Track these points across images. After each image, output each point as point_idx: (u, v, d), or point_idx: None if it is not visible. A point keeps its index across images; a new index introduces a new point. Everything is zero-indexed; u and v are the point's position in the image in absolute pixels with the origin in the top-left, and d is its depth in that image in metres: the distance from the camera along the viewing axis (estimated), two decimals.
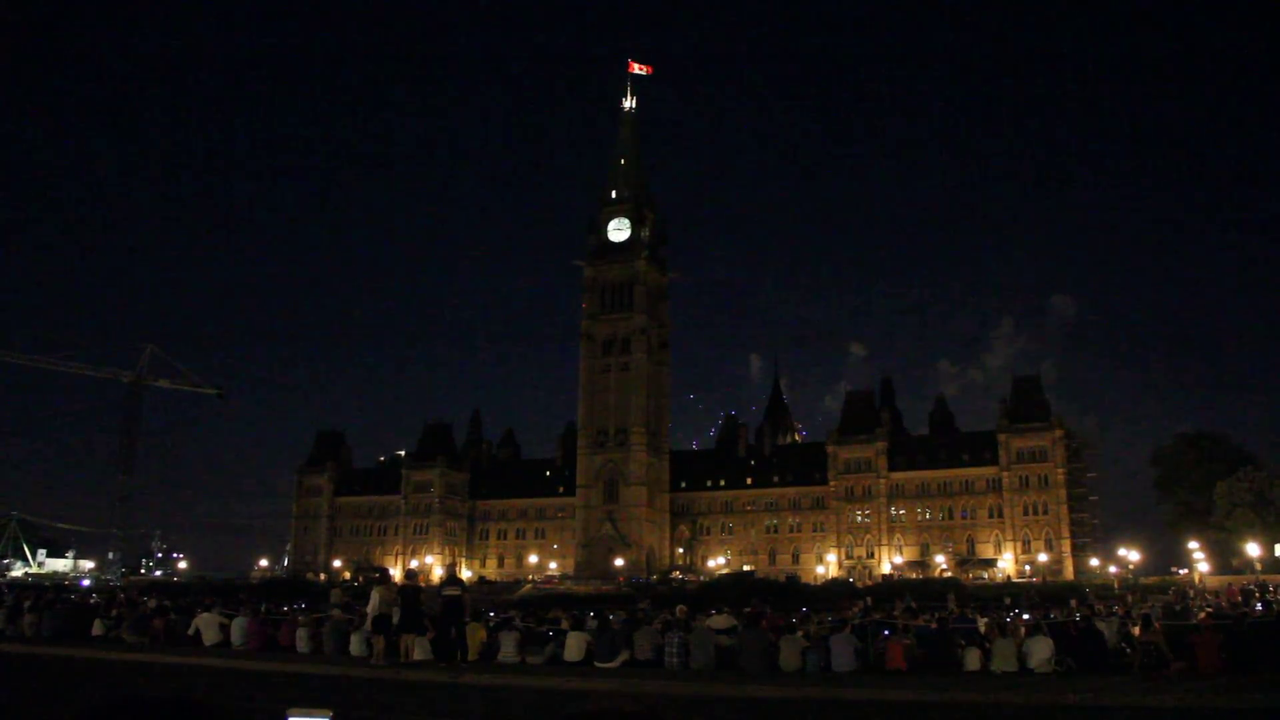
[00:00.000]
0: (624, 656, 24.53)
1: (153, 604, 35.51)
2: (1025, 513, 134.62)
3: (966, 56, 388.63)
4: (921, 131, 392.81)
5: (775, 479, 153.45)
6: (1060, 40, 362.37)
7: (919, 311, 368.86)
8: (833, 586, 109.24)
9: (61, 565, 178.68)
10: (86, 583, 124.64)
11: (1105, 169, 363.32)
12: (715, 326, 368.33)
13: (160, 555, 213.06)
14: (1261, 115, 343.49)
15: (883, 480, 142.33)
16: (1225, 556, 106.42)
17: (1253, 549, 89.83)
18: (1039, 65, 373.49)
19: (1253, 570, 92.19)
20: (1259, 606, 46.90)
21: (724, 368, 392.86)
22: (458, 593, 25.80)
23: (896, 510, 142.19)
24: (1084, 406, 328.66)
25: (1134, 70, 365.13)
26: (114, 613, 33.18)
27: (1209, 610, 39.70)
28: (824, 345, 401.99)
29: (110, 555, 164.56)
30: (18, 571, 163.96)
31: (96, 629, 31.68)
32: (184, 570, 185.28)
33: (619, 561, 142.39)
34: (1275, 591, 63.64)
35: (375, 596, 25.51)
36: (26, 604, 34.81)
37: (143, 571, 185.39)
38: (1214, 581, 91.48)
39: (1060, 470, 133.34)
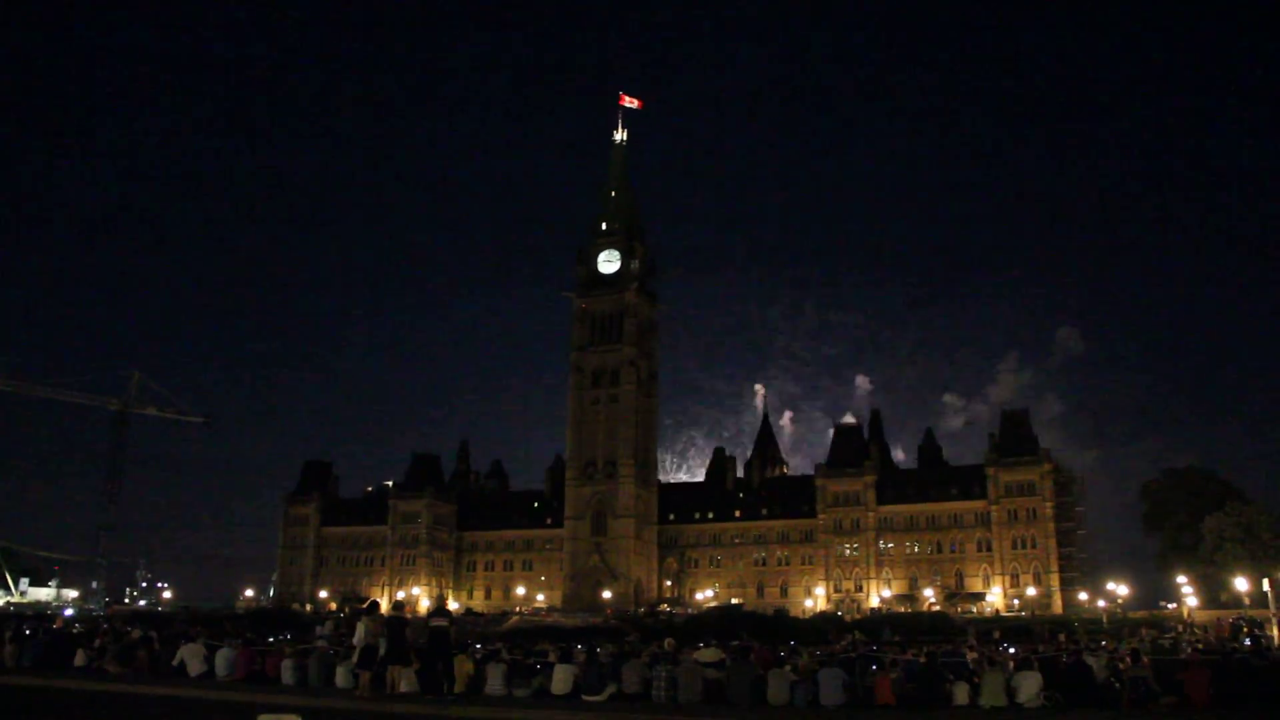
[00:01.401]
0: (611, 689, 24.42)
1: (137, 634, 35.25)
2: (1014, 546, 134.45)
3: (968, 86, 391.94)
4: (921, 161, 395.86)
5: (764, 511, 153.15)
6: (1071, 69, 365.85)
7: (925, 345, 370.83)
8: (821, 620, 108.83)
9: (44, 594, 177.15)
10: (69, 612, 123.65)
11: (1113, 200, 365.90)
12: (718, 359, 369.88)
13: (145, 585, 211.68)
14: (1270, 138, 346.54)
15: (871, 513, 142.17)
16: (1214, 591, 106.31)
17: (1241, 584, 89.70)
18: (1047, 94, 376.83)
19: (1241, 605, 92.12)
20: (1247, 641, 46.86)
21: (723, 400, 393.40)
22: (445, 624, 25.68)
23: (885, 544, 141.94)
24: (1087, 440, 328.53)
25: (1145, 95, 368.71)
26: (97, 643, 32.91)
27: (1198, 645, 39.72)
28: (830, 378, 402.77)
29: (94, 584, 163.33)
30: None
31: (79, 659, 31.41)
32: (169, 600, 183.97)
33: (607, 594, 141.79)
34: (1263, 627, 63.65)
35: (361, 627, 25.37)
36: (7, 634, 34.54)
37: (127, 601, 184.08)
38: (1202, 616, 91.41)
39: (1049, 504, 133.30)
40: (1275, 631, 60.26)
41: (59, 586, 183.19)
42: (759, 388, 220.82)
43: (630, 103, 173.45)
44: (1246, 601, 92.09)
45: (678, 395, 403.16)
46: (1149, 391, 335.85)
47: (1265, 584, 73.43)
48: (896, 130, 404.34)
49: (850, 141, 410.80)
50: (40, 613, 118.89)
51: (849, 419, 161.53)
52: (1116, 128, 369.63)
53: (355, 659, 25.37)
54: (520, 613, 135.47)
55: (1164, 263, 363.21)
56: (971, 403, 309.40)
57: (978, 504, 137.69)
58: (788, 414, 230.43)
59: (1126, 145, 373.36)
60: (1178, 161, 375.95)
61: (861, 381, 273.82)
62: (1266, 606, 73.81)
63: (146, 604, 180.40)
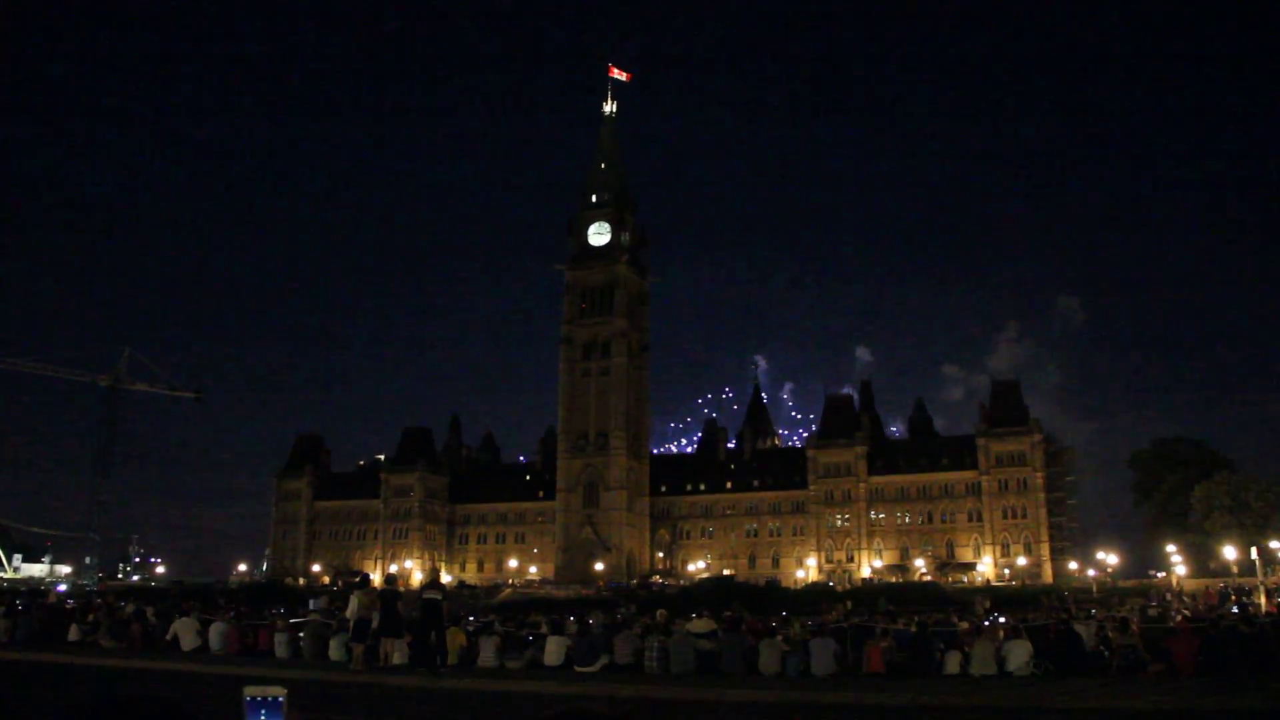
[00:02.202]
0: (603, 661, 24.53)
1: (130, 609, 35.27)
2: (1004, 516, 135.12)
3: (968, 53, 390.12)
4: (919, 131, 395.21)
5: (755, 483, 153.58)
6: (1075, 38, 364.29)
7: (925, 315, 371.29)
8: (812, 590, 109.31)
9: (38, 570, 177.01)
10: (63, 588, 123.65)
11: (1111, 169, 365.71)
12: (720, 331, 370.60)
13: (138, 560, 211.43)
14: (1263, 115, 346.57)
15: (862, 484, 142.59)
16: (1202, 560, 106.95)
17: (1229, 552, 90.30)
18: (1048, 63, 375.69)
19: (1229, 573, 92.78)
20: (1235, 609, 47.18)
21: (726, 372, 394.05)
22: (437, 597, 25.74)
23: (876, 514, 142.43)
24: (1086, 411, 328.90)
25: (1139, 73, 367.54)
26: (90, 618, 32.94)
27: (1186, 613, 39.98)
28: (831, 350, 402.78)
29: (87, 560, 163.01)
30: None
31: (73, 634, 31.44)
32: (162, 575, 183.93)
33: (599, 566, 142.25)
34: (1251, 594, 64.10)
35: (354, 601, 25.43)
36: (1, 609, 34.59)
37: (120, 576, 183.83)
38: (1191, 584, 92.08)
39: (1039, 474, 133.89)
40: (1263, 599, 60.71)
41: (52, 562, 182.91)
42: (759, 359, 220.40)
43: (619, 75, 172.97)
44: (1235, 570, 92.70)
45: (679, 368, 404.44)
46: (1145, 361, 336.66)
47: (1253, 552, 74.04)
48: (894, 99, 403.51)
49: (847, 111, 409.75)
50: (34, 588, 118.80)
51: (848, 390, 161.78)
52: (1117, 107, 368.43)
53: (349, 632, 25.47)
54: (513, 585, 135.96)
55: (1161, 231, 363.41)
56: (972, 373, 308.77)
57: (968, 474, 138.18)
58: (789, 385, 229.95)
59: (1119, 106, 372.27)
60: (1178, 138, 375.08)
61: (862, 353, 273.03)
62: (1254, 575, 74.43)
63: (140, 579, 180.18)
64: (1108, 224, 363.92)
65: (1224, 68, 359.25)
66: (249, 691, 2.57)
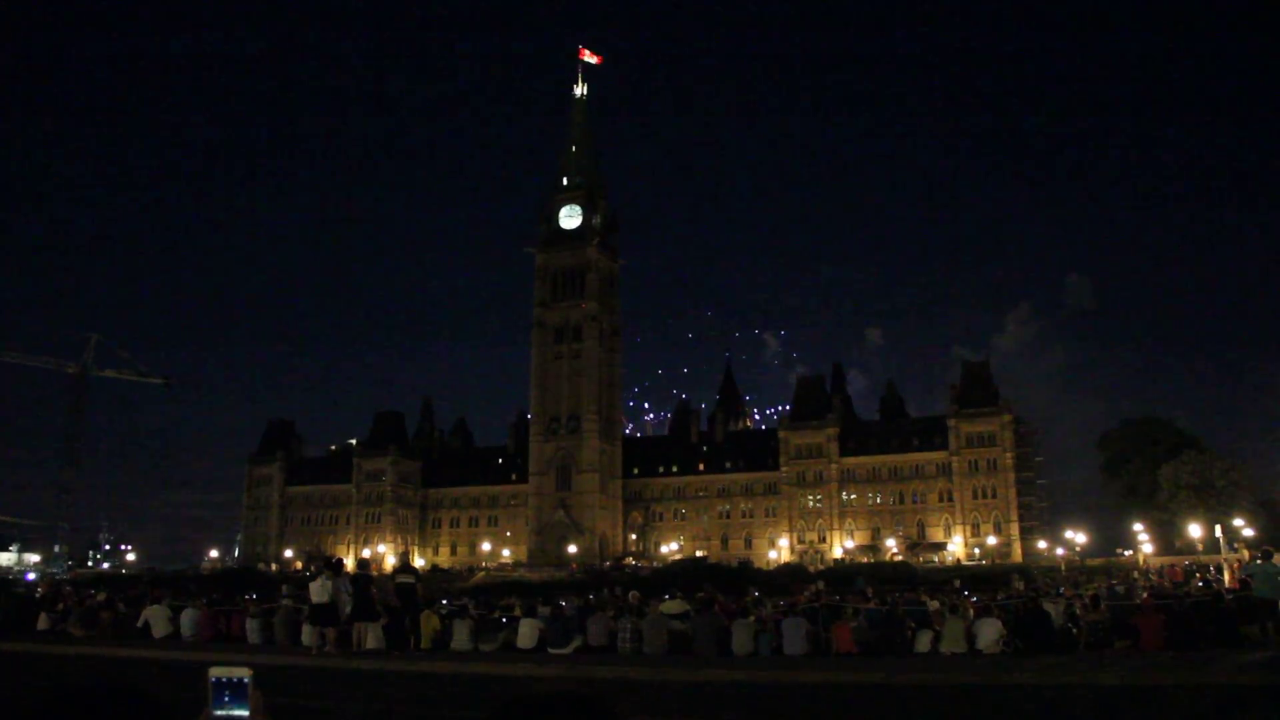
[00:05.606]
0: (577, 643, 24.61)
1: (101, 597, 35.08)
2: (975, 496, 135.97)
3: (972, 34, 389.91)
4: (914, 112, 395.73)
5: (728, 464, 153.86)
6: (1076, 20, 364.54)
7: (935, 298, 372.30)
8: (785, 571, 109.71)
9: (5, 559, 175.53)
10: (31, 576, 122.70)
11: (1118, 151, 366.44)
12: (728, 312, 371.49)
13: (108, 547, 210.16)
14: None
15: (834, 465, 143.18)
16: (1168, 538, 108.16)
17: (1194, 530, 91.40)
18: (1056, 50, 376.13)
19: (1194, 551, 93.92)
20: (1200, 585, 47.83)
21: (694, 352, 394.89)
22: (411, 581, 25.77)
23: (848, 495, 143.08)
24: (1092, 389, 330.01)
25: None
26: (60, 606, 32.73)
27: (1151, 590, 40.46)
28: (842, 332, 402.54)
29: (56, 548, 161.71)
30: None
31: (42, 623, 31.23)
32: (132, 562, 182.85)
33: (572, 548, 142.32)
34: (1215, 572, 64.90)
35: (319, 586, 25.37)
36: None
37: (90, 564, 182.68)
38: (1157, 562, 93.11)
39: (1009, 455, 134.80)
40: (1226, 576, 61.55)
41: (20, 551, 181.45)
42: (769, 336, 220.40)
43: (590, 58, 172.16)
44: (1200, 548, 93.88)
45: (651, 349, 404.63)
46: (1146, 341, 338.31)
47: (1217, 530, 74.94)
48: (896, 79, 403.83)
49: (853, 94, 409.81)
50: (2, 577, 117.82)
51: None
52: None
53: (310, 616, 25.38)
54: (486, 569, 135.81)
55: (1171, 212, 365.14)
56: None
57: (939, 455, 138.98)
58: (799, 368, 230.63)
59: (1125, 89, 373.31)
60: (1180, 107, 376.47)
61: (873, 335, 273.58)
62: (1218, 552, 75.35)
63: (110, 567, 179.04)
64: (1118, 203, 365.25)
65: (1232, 59, 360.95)
66: (214, 672, 2.57)
